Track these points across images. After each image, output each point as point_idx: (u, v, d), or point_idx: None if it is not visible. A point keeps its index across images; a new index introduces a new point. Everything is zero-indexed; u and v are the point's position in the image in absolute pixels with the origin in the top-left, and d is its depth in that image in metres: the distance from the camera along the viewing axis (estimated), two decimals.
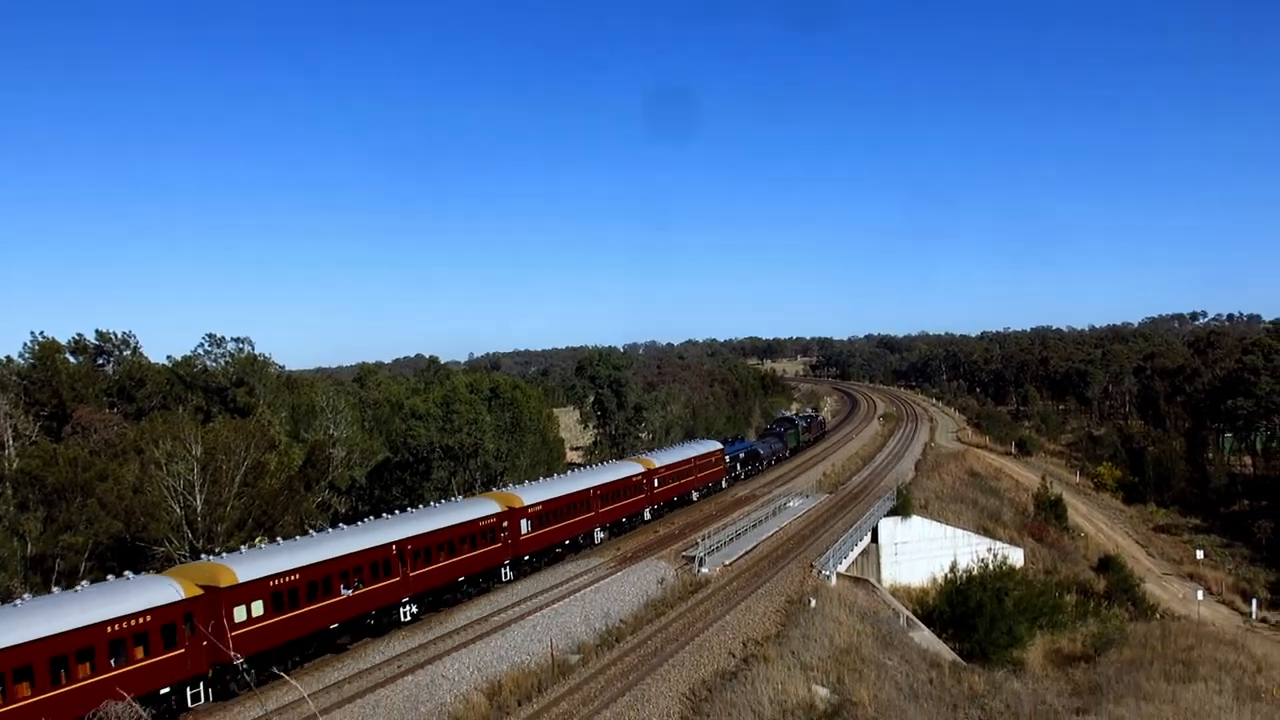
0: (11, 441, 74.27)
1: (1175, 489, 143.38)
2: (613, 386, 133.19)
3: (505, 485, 78.15)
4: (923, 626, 66.35)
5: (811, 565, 68.26)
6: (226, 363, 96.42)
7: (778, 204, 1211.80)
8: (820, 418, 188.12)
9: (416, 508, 66.19)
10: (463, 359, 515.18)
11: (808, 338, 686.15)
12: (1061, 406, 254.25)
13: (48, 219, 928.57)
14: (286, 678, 30.36)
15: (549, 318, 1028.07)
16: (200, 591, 42.58)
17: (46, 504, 63.88)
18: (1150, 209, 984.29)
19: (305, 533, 56.47)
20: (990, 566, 75.29)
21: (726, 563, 69.99)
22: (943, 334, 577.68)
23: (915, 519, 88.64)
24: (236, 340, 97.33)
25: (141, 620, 39.46)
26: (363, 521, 57.98)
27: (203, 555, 51.96)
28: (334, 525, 59.87)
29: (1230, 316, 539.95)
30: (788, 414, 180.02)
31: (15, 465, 68.08)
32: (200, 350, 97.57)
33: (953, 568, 77.65)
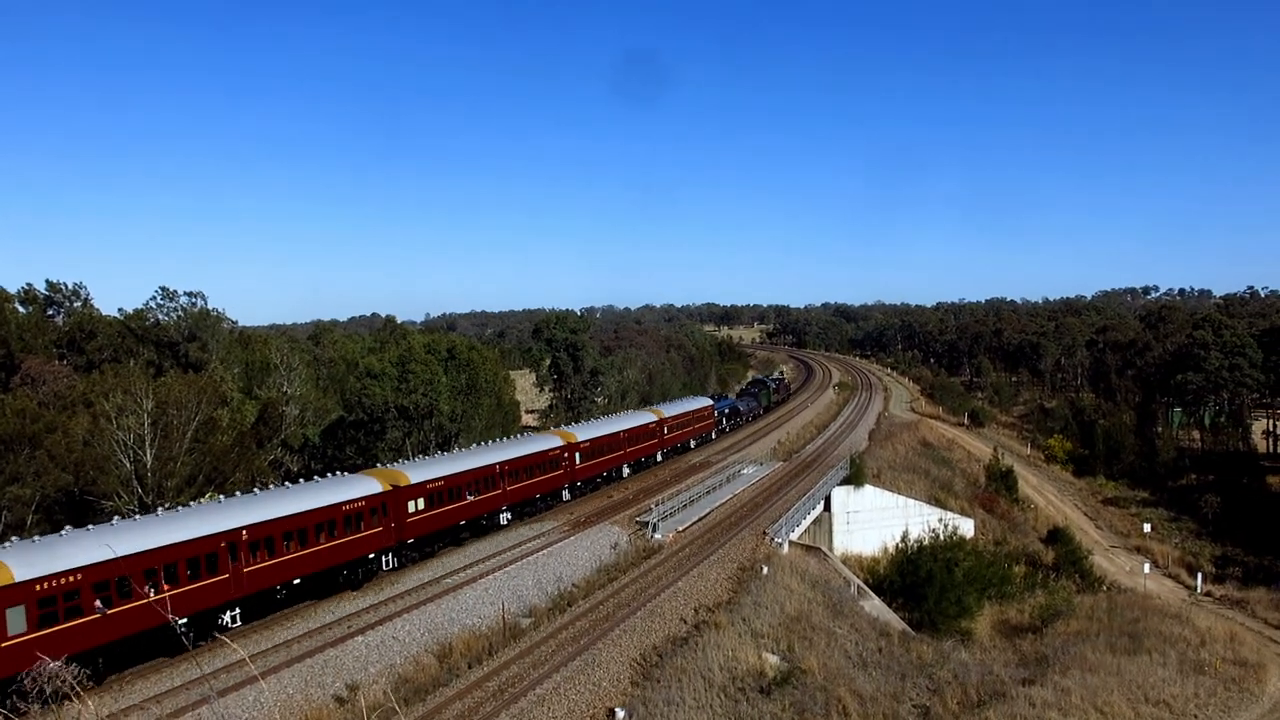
0: None
1: (1124, 462, 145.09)
2: (569, 350, 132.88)
3: (485, 441, 77.89)
4: (873, 595, 66.90)
5: (764, 533, 68.55)
6: (179, 317, 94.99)
7: (741, 171, 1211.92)
8: (786, 381, 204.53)
9: (509, 438, 78.61)
10: (419, 319, 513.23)
11: (765, 305, 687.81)
12: (1014, 378, 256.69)
13: None
14: (224, 639, 29.95)
15: (506, 280, 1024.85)
16: (390, 488, 56.53)
17: None
18: (1105, 184, 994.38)
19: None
20: (941, 537, 76.09)
21: (680, 529, 70.18)
22: (899, 304, 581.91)
23: (868, 488, 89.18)
24: (190, 294, 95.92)
25: (360, 504, 53.89)
26: (469, 448, 72.66)
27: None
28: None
29: (1182, 291, 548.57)
30: (760, 377, 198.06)
31: None
32: (152, 304, 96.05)
33: (904, 537, 78.37)
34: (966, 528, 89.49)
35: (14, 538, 42.31)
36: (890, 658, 52.57)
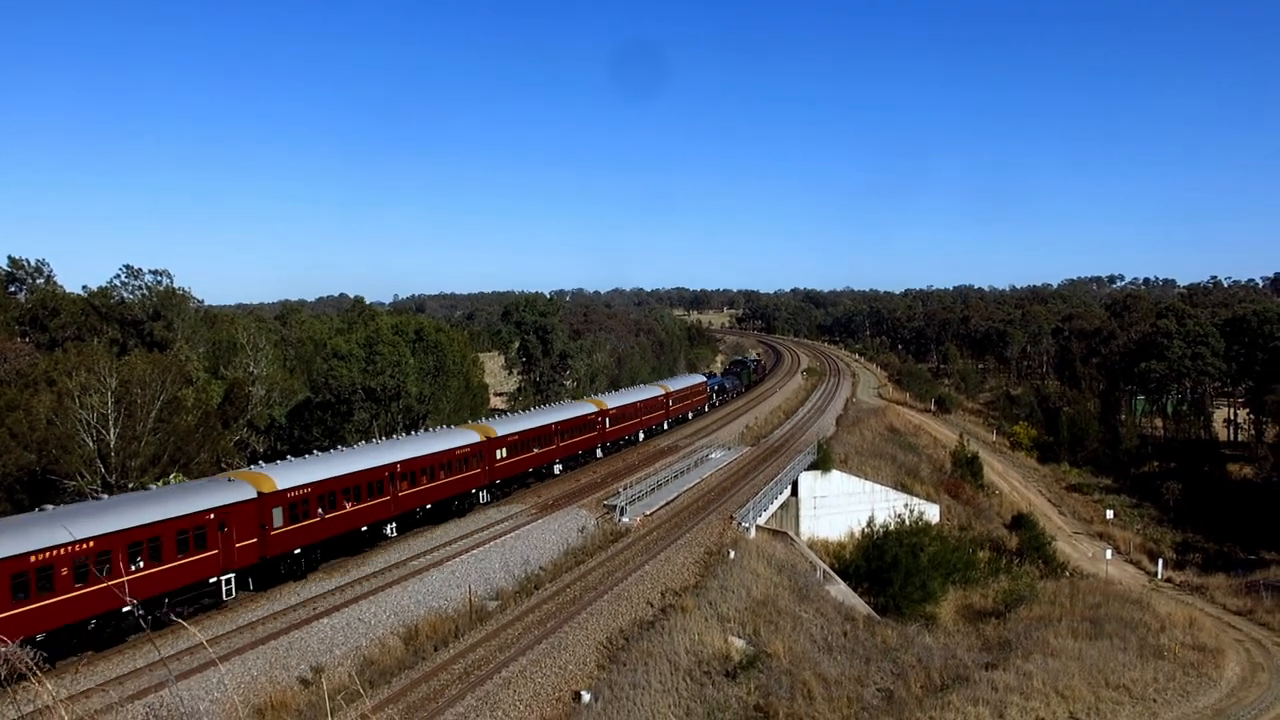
0: None
1: (1088, 449, 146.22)
2: (539, 333, 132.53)
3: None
4: (839, 580, 67.22)
5: (731, 517, 68.71)
6: (144, 295, 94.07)
7: (712, 159, 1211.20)
8: (761, 362, 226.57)
9: (560, 402, 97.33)
10: (388, 300, 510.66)
11: (735, 290, 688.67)
12: (981, 365, 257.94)
13: None
14: (186, 625, 29.62)
15: (476, 262, 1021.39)
16: (484, 439, 70.37)
17: None
18: (1073, 172, 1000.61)
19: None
20: (907, 522, 76.53)
21: (647, 513, 70.25)
22: (868, 290, 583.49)
23: (835, 474, 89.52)
24: (155, 273, 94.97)
25: (467, 450, 67.84)
26: (528, 410, 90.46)
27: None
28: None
29: (1146, 280, 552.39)
30: (740, 358, 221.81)
31: None
32: (117, 282, 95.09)
33: (870, 523, 78.76)
34: (932, 513, 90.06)
35: (277, 459, 60.26)
36: (855, 642, 52.87)
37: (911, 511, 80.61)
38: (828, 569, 68.53)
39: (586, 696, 38.42)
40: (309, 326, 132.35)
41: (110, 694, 35.86)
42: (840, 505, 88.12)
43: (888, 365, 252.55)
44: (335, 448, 66.07)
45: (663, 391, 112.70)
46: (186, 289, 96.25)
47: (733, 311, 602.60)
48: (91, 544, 39.68)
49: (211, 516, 46.30)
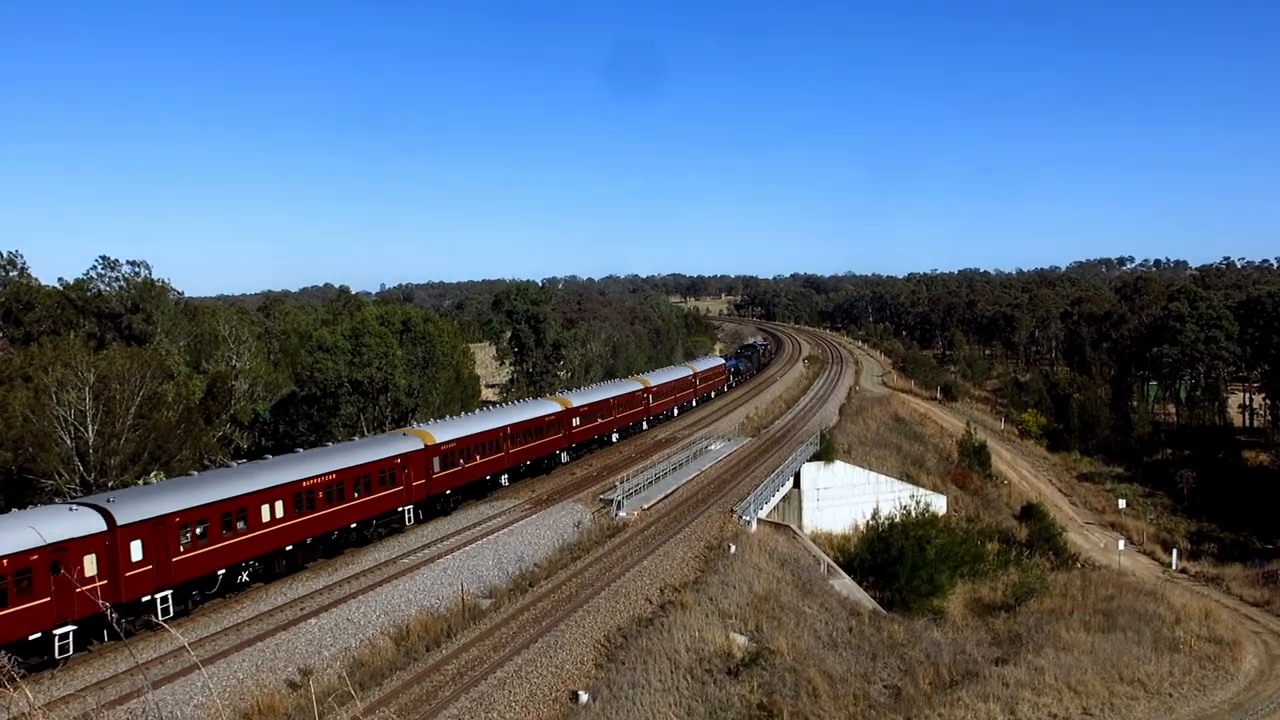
0: None
1: (1099, 437, 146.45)
2: (531, 322, 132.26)
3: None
4: (843, 574, 67.20)
5: (732, 511, 68.70)
6: (121, 287, 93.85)
7: (705, 141, 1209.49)
8: (768, 347, 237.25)
9: (614, 379, 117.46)
10: (374, 290, 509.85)
11: (733, 276, 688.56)
12: (988, 351, 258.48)
13: None
14: (165, 625, 29.64)
15: (465, 250, 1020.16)
16: (564, 408, 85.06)
17: None
18: (1081, 152, 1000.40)
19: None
20: (913, 514, 76.39)
21: (645, 507, 70.23)
22: (869, 275, 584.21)
23: (838, 464, 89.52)
24: (133, 264, 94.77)
25: (551, 418, 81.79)
26: (590, 386, 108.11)
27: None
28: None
29: (1157, 262, 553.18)
30: (749, 342, 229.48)
31: None
32: (93, 273, 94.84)
33: (875, 515, 78.71)
34: (939, 504, 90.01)
35: (432, 418, 78.51)
36: (861, 637, 52.86)
37: (917, 503, 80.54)
38: (832, 563, 68.54)
39: (584, 696, 38.37)
40: (293, 318, 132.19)
41: (88, 700, 35.75)
42: (844, 497, 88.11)
43: (891, 352, 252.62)
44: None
45: (691, 372, 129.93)
46: (166, 280, 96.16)
47: (731, 298, 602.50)
48: (334, 476, 55.98)
49: (399, 461, 62.04)
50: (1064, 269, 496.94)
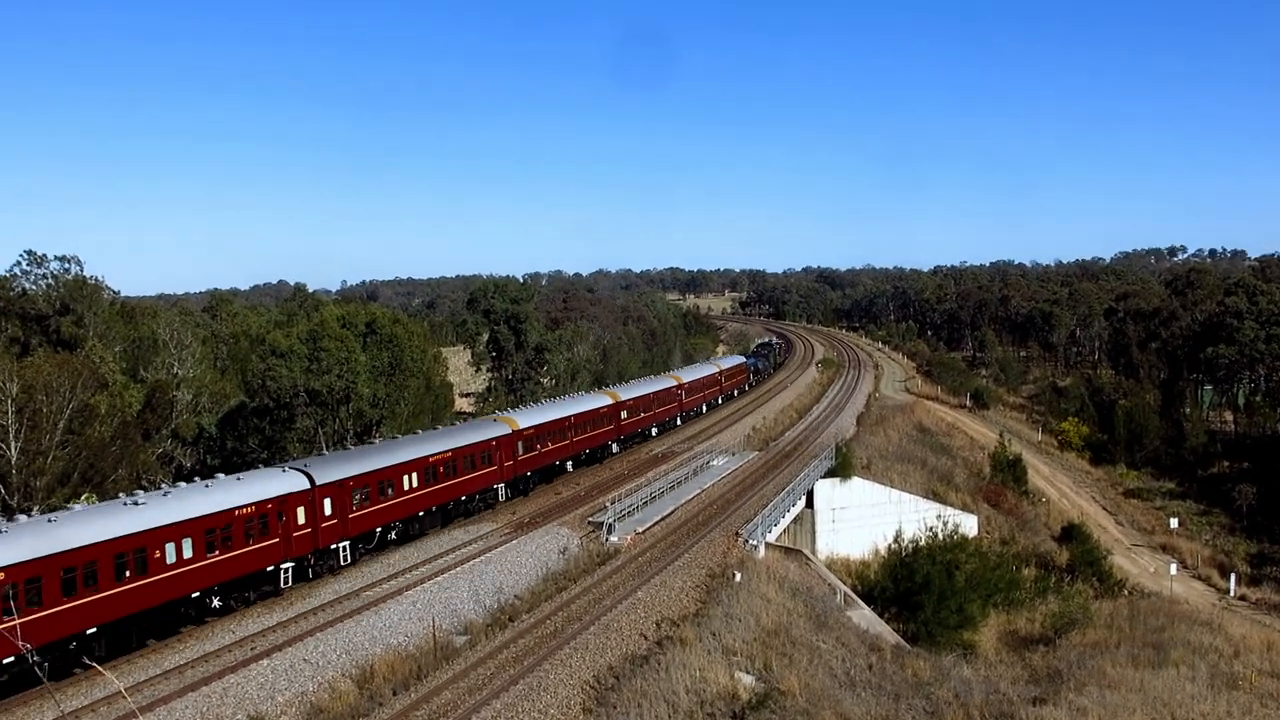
0: None
1: (1148, 448, 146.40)
2: (510, 323, 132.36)
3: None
4: (862, 605, 67.13)
5: (737, 534, 68.62)
6: (49, 286, 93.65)
7: (706, 120, 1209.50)
8: (782, 345, 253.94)
9: (649, 376, 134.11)
10: (334, 288, 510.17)
11: (737, 270, 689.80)
12: (1023, 353, 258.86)
13: None
14: (100, 670, 29.50)
15: (437, 242, 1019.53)
16: (614, 401, 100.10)
17: None
18: (1125, 133, 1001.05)
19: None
20: (940, 536, 76.33)
21: (639, 530, 70.10)
22: (891, 268, 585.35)
23: (856, 481, 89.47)
24: (62, 259, 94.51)
25: (603, 411, 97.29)
26: (628, 382, 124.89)
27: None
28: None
29: (1212, 252, 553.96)
30: (765, 340, 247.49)
31: None
32: (17, 270, 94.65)
33: (897, 537, 78.58)
34: (969, 525, 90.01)
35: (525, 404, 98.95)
36: (882, 676, 52.77)
37: (945, 523, 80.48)
38: (849, 592, 68.46)
39: None
40: (243, 320, 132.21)
41: None
42: (863, 518, 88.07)
43: (915, 354, 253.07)
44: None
45: (717, 370, 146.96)
46: (99, 278, 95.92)
47: (735, 294, 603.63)
48: (450, 454, 70.65)
49: (494, 443, 76.66)
50: (1108, 260, 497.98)
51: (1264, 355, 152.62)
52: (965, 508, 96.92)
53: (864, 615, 65.15)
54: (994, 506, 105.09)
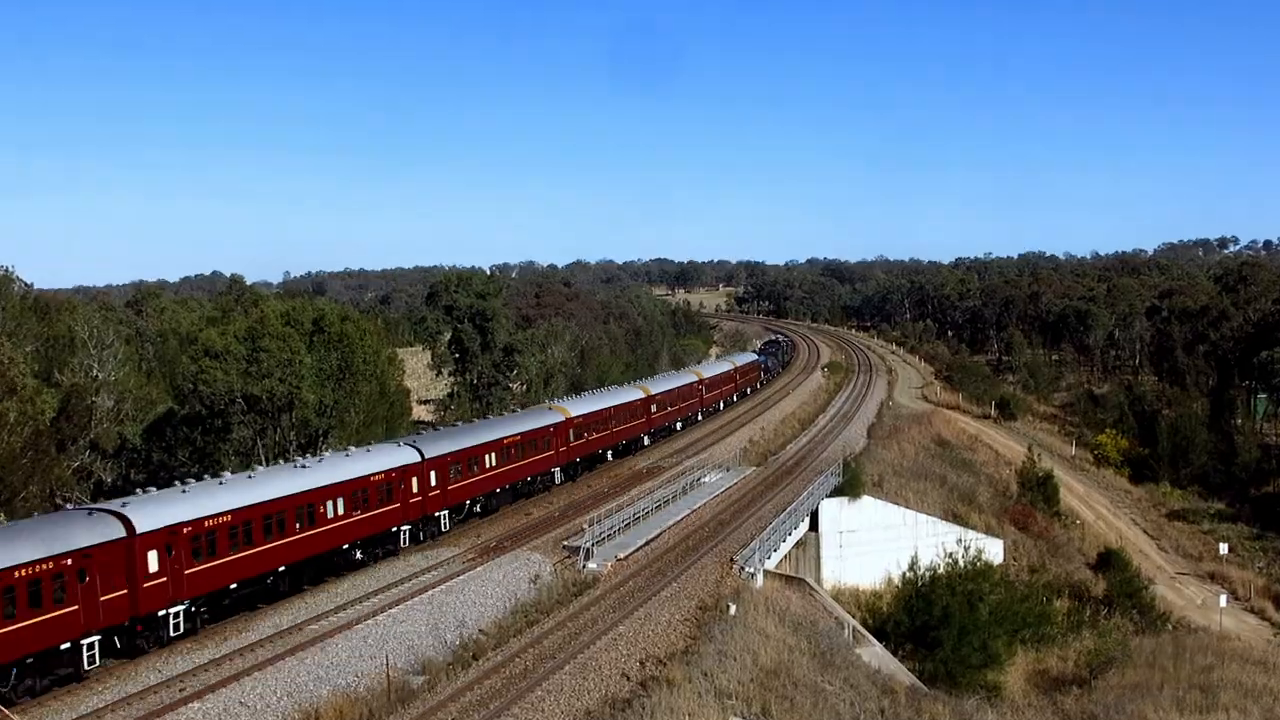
0: None
1: (1195, 464, 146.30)
2: (475, 320, 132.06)
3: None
4: (873, 641, 67.17)
5: (732, 560, 68.58)
6: None
7: (696, 95, 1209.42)
8: (788, 342, 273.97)
9: (676, 370, 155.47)
10: (275, 280, 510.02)
11: (733, 262, 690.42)
12: (1055, 357, 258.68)
13: None
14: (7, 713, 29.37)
15: (392, 229, 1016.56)
16: (645, 394, 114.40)
17: None
18: (1169, 110, 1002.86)
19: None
20: (961, 563, 76.43)
21: (621, 556, 70.05)
22: (906, 260, 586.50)
23: (866, 500, 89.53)
24: None
25: (638, 403, 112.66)
26: (664, 374, 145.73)
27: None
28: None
29: (1267, 244, 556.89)
30: (772, 338, 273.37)
31: None
32: None
33: (913, 565, 78.72)
34: (993, 551, 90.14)
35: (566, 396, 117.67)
36: None
37: (967, 549, 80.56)
38: (858, 626, 68.48)
39: None
40: (172, 316, 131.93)
41: None
42: (874, 542, 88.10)
43: (934, 358, 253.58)
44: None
45: (733, 367, 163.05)
46: (9, 269, 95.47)
47: (730, 289, 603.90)
48: (518, 438, 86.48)
49: (551, 430, 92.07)
50: (1150, 253, 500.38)
51: None
52: (989, 531, 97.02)
53: (875, 653, 65.18)
54: (1022, 530, 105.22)
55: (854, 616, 71.13)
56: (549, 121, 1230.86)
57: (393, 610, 57.64)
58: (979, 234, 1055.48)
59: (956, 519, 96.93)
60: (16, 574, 44.36)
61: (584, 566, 67.54)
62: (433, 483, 73.98)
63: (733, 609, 59.72)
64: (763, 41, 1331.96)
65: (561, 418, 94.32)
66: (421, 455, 73.21)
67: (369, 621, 55.70)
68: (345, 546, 65.48)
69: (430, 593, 60.85)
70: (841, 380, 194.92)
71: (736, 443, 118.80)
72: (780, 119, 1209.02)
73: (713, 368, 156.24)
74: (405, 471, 71.18)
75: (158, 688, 46.90)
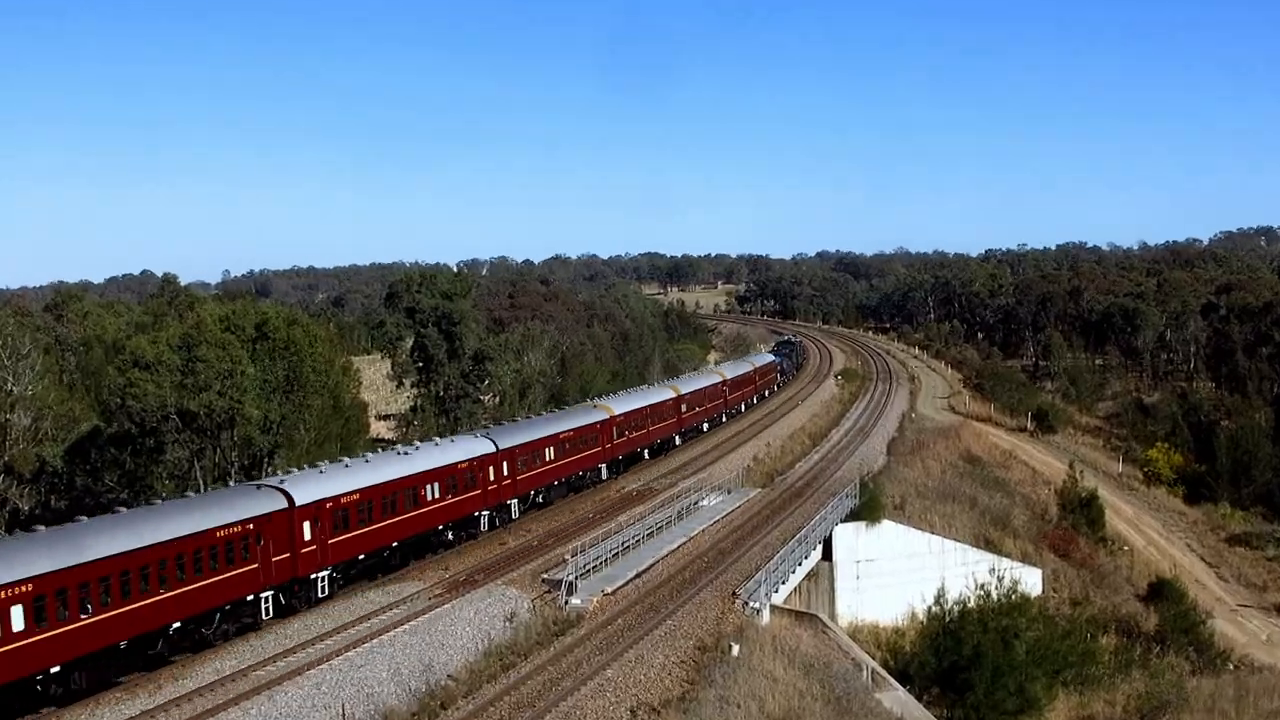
0: None
1: (1259, 482, 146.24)
2: (441, 324, 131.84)
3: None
4: (896, 685, 67.21)
5: (734, 594, 68.68)
6: None
7: (692, 73, 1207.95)
8: (801, 342, 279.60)
9: (696, 371, 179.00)
10: (214, 280, 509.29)
11: (733, 256, 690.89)
12: (1099, 361, 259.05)
13: None
14: None
15: (345, 221, 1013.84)
16: (675, 394, 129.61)
17: None
18: (1225, 76, 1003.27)
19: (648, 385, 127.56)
20: (994, 595, 76.44)
21: (608, 590, 70.02)
22: (930, 253, 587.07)
23: (887, 526, 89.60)
24: None
25: (669, 404, 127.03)
26: (696, 371, 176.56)
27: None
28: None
29: None
30: (786, 338, 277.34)
31: None
32: None
33: (940, 598, 78.69)
34: (1031, 581, 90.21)
35: (607, 395, 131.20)
36: None
37: (1001, 579, 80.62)
38: (878, 668, 68.52)
39: None
40: (96, 321, 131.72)
41: None
42: (896, 573, 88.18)
43: (963, 363, 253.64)
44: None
45: (753, 368, 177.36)
46: None
47: (730, 287, 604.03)
48: (572, 433, 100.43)
49: (599, 427, 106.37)
50: (1206, 242, 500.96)
51: None
52: (1026, 559, 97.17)
53: (898, 698, 65.24)
54: (1063, 557, 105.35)
55: (873, 657, 71.16)
56: (521, 97, 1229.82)
57: (349, 653, 57.47)
58: (1012, 222, 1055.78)
59: (989, 545, 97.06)
60: (218, 534, 59.87)
61: (566, 602, 67.49)
62: (505, 472, 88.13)
63: (735, 649, 59.78)
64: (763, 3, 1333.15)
65: (606, 415, 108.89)
66: (496, 446, 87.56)
67: (323, 666, 55.53)
68: (440, 528, 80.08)
69: (392, 633, 60.74)
70: (857, 389, 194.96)
71: (738, 461, 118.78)
72: (785, 92, 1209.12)
73: (735, 368, 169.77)
74: (484, 461, 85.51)
75: None
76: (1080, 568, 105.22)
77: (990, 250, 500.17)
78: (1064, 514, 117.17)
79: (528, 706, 51.85)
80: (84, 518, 58.47)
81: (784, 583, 74.41)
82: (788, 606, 73.14)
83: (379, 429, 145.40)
